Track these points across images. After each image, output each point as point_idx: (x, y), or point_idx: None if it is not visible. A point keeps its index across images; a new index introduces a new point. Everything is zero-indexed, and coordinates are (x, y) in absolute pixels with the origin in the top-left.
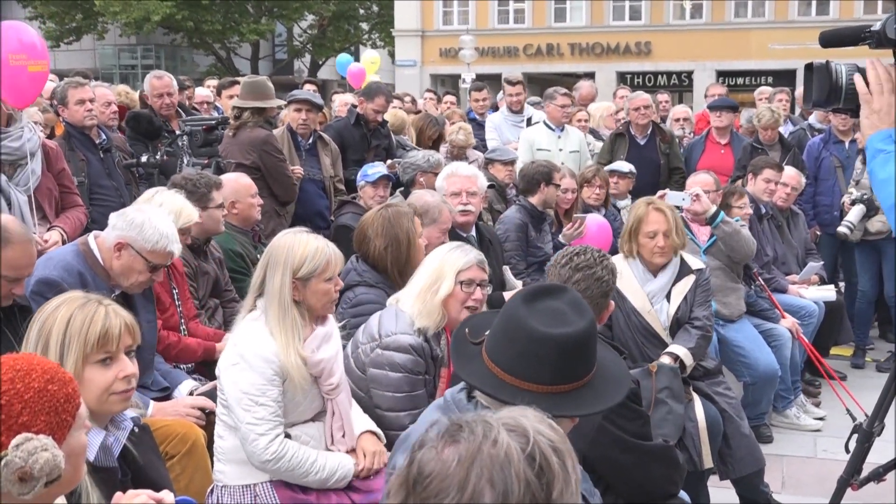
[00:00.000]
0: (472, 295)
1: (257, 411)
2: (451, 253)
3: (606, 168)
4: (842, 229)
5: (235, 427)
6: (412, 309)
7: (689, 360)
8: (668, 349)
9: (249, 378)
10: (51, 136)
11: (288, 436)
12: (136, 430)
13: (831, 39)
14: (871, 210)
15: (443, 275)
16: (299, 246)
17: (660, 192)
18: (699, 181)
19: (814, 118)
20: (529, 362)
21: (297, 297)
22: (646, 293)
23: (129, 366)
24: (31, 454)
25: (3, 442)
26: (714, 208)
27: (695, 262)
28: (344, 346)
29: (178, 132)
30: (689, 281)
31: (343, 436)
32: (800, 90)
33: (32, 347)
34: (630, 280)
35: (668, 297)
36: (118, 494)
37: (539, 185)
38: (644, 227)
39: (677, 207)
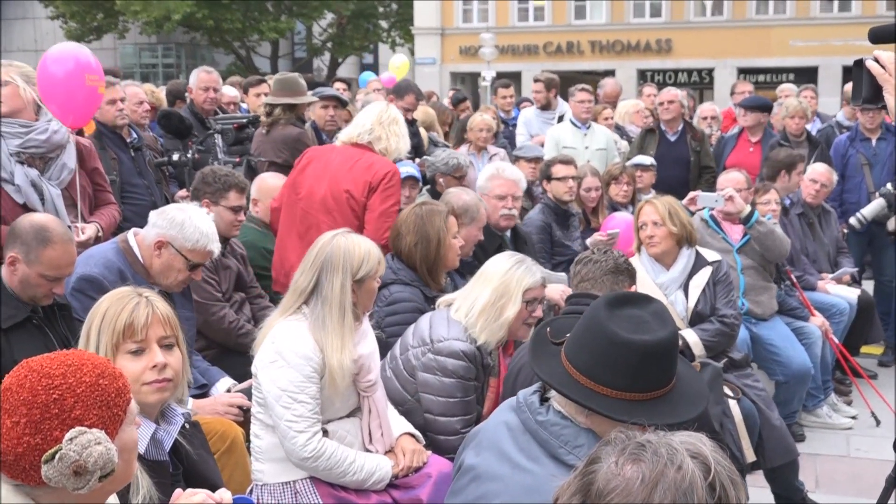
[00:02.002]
0: (534, 312)
1: (296, 408)
2: (516, 270)
3: (628, 163)
4: (852, 220)
5: (273, 425)
6: (473, 322)
7: (698, 348)
8: (679, 332)
9: (288, 375)
10: (80, 133)
11: (325, 432)
12: (187, 425)
13: (880, 35)
14: (892, 207)
15: (509, 293)
16: (355, 248)
17: (692, 194)
18: (731, 179)
19: (841, 115)
20: (607, 367)
21: (354, 300)
22: (658, 286)
23: (159, 356)
24: (84, 447)
25: (57, 436)
26: (748, 208)
27: (710, 255)
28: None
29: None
30: (705, 273)
31: (381, 435)
32: (848, 86)
33: (82, 341)
34: (641, 276)
35: (685, 291)
36: (177, 493)
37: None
38: (638, 220)
39: (710, 208)
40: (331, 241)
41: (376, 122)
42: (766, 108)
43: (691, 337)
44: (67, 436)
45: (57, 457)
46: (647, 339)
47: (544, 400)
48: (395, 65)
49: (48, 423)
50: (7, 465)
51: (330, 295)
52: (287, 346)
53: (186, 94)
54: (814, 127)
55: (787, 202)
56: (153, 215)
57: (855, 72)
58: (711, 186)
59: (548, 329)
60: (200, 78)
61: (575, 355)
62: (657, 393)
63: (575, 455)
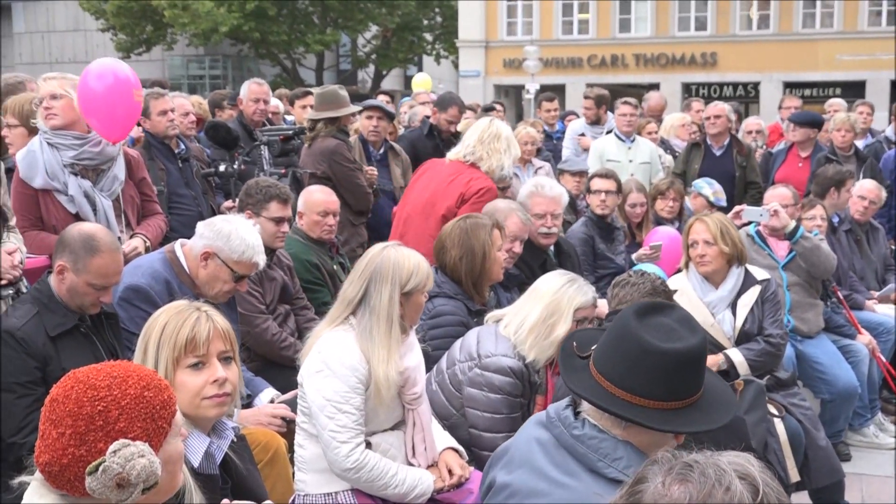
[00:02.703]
0: None
1: (340, 419)
2: (568, 288)
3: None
4: None
5: (316, 435)
6: (522, 339)
7: (743, 368)
8: (724, 351)
9: (333, 385)
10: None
11: (368, 444)
12: (236, 439)
13: None
14: None
15: (560, 311)
16: (404, 261)
17: (737, 208)
18: (777, 195)
19: (890, 130)
20: (640, 376)
21: (401, 312)
22: (706, 304)
23: (220, 370)
24: (128, 460)
25: (101, 448)
26: (793, 224)
27: (760, 273)
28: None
29: (256, 141)
30: (754, 292)
31: (424, 448)
32: None
33: (138, 353)
34: (689, 294)
35: (734, 309)
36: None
37: None
38: (688, 237)
39: (755, 223)
40: (380, 252)
41: (478, 141)
42: (816, 123)
43: (737, 356)
44: (111, 448)
45: (101, 469)
46: (680, 347)
47: (578, 413)
48: (418, 81)
49: (93, 435)
50: (52, 475)
51: (378, 306)
52: (333, 355)
53: (225, 104)
54: (863, 142)
55: (836, 220)
56: (200, 226)
57: None
58: (757, 202)
59: (573, 343)
60: (251, 90)
61: (607, 367)
62: (690, 400)
63: (615, 468)
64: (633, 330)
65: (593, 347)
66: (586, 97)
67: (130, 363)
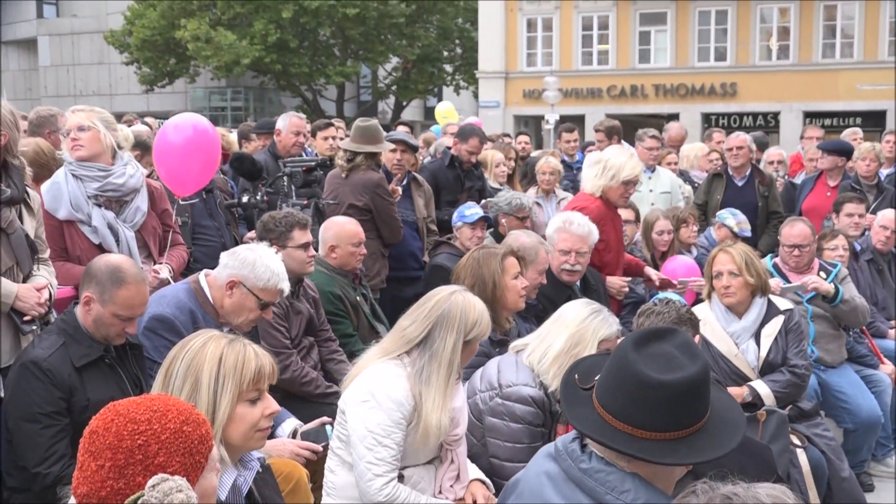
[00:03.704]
0: None
1: (379, 451)
2: (593, 319)
3: None
4: None
5: (352, 463)
6: (545, 369)
7: (769, 400)
8: (750, 383)
9: (377, 418)
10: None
11: (400, 476)
12: (261, 470)
13: None
14: None
15: (584, 341)
16: (471, 310)
17: (774, 284)
18: (796, 233)
19: None
20: (641, 409)
21: (461, 359)
22: (729, 334)
23: (274, 403)
24: (166, 495)
25: (140, 482)
26: (833, 289)
27: (783, 303)
28: None
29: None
30: (777, 322)
31: (451, 486)
32: None
33: (180, 384)
34: (713, 324)
35: (757, 339)
36: None
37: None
38: (712, 268)
39: (771, 255)
40: (448, 297)
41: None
42: (845, 151)
43: (763, 389)
44: (150, 482)
45: (139, 502)
46: (679, 378)
47: (584, 445)
48: (442, 111)
49: (132, 469)
50: None
51: (441, 352)
52: (381, 388)
53: (253, 137)
54: (882, 173)
55: (858, 248)
56: (224, 256)
57: None
58: (778, 231)
59: (576, 375)
60: (293, 122)
61: (608, 400)
62: (695, 427)
63: (623, 500)
64: (630, 362)
65: (597, 378)
66: (597, 130)
67: (169, 397)
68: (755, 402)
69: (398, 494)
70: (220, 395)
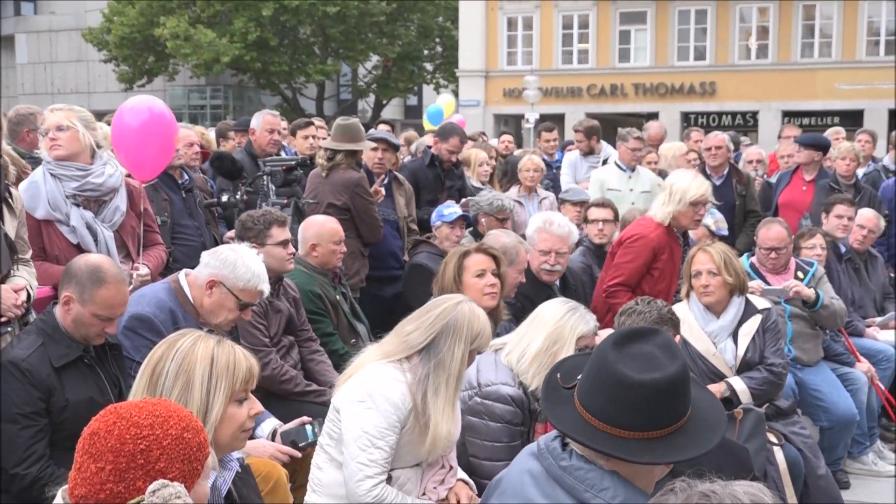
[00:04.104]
0: None
1: (373, 453)
2: (570, 317)
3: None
4: None
5: (341, 462)
6: (525, 368)
7: (745, 396)
8: (727, 379)
9: (374, 419)
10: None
11: (388, 477)
12: (240, 470)
13: None
14: None
15: (562, 339)
16: (475, 319)
17: (755, 286)
18: (773, 236)
19: (888, 159)
20: (621, 409)
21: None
22: (707, 334)
23: (258, 403)
24: (166, 501)
25: (140, 486)
26: (814, 294)
27: (761, 303)
28: None
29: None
30: (755, 321)
31: (435, 487)
32: None
33: (171, 384)
34: (691, 323)
35: (735, 338)
36: None
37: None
38: (691, 267)
39: (748, 255)
40: (455, 306)
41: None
42: (822, 146)
43: (739, 385)
44: (150, 488)
45: None
46: (658, 377)
47: (565, 444)
48: (444, 101)
49: (133, 473)
50: None
51: (449, 362)
52: (379, 390)
53: (231, 135)
54: (862, 171)
55: (843, 249)
56: (206, 255)
57: None
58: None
59: (558, 374)
60: (266, 120)
61: (588, 399)
62: (674, 427)
63: (602, 498)
64: (610, 362)
65: (579, 377)
66: (576, 130)
67: (170, 402)
68: (731, 399)
69: (386, 496)
70: (213, 395)
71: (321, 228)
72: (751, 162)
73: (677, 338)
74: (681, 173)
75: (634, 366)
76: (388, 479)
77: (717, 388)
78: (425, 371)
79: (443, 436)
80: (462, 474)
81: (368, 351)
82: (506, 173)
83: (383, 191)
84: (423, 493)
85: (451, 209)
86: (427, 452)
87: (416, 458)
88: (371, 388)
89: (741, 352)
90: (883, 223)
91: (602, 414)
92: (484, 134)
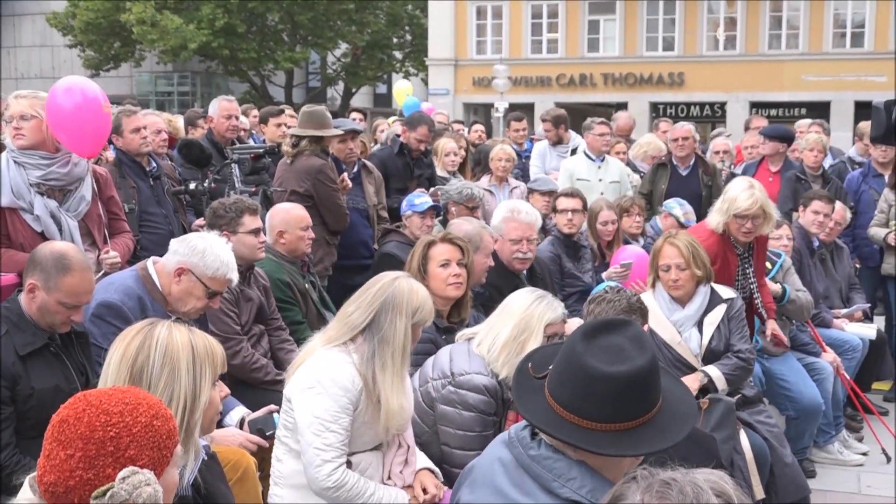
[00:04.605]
0: None
1: (327, 437)
2: (537, 305)
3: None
4: (886, 266)
5: (298, 451)
6: (495, 357)
7: (721, 383)
8: (702, 368)
9: (325, 404)
10: (97, 162)
11: (349, 463)
12: (206, 458)
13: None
14: None
15: (530, 328)
16: (415, 294)
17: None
18: None
19: (853, 151)
20: (588, 400)
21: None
22: (672, 323)
23: (224, 386)
24: (135, 487)
25: (109, 473)
26: (780, 289)
27: (725, 292)
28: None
29: (226, 159)
30: (720, 311)
31: (401, 471)
32: (862, 124)
33: (158, 372)
34: (656, 313)
35: (700, 327)
36: None
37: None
38: (659, 260)
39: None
40: (392, 282)
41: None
42: (786, 138)
43: (714, 372)
44: (120, 475)
45: (108, 494)
46: (625, 370)
47: (535, 434)
48: (400, 88)
49: (102, 460)
50: (56, 496)
51: (392, 337)
52: (328, 374)
53: (200, 123)
54: (825, 162)
55: (816, 244)
56: (174, 243)
57: (874, 112)
58: None
59: (529, 364)
60: (222, 106)
61: (557, 390)
62: (643, 419)
63: (569, 488)
64: (579, 353)
65: (550, 367)
66: (544, 119)
67: (140, 390)
68: (707, 387)
69: (346, 480)
70: (199, 380)
71: (287, 215)
72: (718, 153)
73: (645, 327)
74: (738, 182)
75: (603, 358)
76: (350, 465)
77: (695, 378)
78: (370, 349)
79: (395, 410)
80: (428, 462)
81: (314, 339)
82: (479, 162)
83: (349, 182)
84: (389, 478)
85: (421, 199)
86: (384, 430)
87: (373, 440)
88: (319, 374)
89: (706, 341)
90: (849, 215)
91: (570, 405)
92: (461, 122)
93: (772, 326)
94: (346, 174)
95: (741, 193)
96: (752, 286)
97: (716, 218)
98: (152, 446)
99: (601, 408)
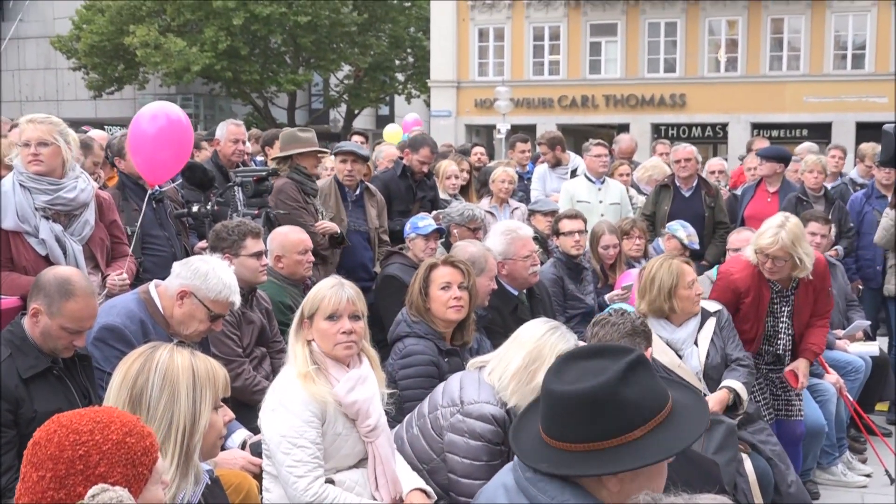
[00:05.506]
0: None
1: (296, 453)
2: (550, 335)
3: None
4: (888, 287)
5: (277, 475)
6: (504, 385)
7: (744, 393)
8: (723, 383)
9: (287, 421)
10: (102, 186)
11: (331, 481)
12: (209, 482)
13: None
14: None
15: (542, 357)
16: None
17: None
18: (742, 239)
19: (855, 172)
20: (554, 421)
21: (308, 337)
22: (672, 343)
23: (228, 409)
24: None
25: (80, 492)
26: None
27: (711, 305)
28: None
29: (230, 183)
30: (711, 324)
31: (386, 481)
32: (863, 145)
33: (157, 395)
34: (654, 339)
35: (696, 345)
36: None
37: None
38: (684, 279)
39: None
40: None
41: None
42: (783, 158)
43: (736, 384)
44: (90, 492)
45: None
46: (570, 389)
47: None
48: (390, 132)
49: (72, 479)
50: None
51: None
52: (286, 392)
53: (205, 145)
54: (828, 183)
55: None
56: (177, 266)
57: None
58: (724, 242)
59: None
60: (230, 130)
61: (542, 417)
62: (617, 441)
63: None
64: (549, 374)
65: None
66: (539, 143)
67: (115, 409)
68: (736, 403)
69: (325, 495)
70: (199, 403)
71: (284, 239)
72: (713, 173)
73: (649, 350)
74: (774, 217)
75: (568, 378)
76: (333, 484)
77: (723, 397)
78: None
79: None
80: (420, 482)
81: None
82: (484, 184)
83: (327, 225)
84: (377, 489)
85: (425, 221)
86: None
87: (354, 454)
88: (279, 395)
89: (703, 356)
90: (832, 230)
91: (546, 428)
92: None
93: (800, 367)
94: (324, 224)
95: (768, 230)
96: (781, 325)
97: (751, 251)
98: (125, 463)
99: (563, 428)
